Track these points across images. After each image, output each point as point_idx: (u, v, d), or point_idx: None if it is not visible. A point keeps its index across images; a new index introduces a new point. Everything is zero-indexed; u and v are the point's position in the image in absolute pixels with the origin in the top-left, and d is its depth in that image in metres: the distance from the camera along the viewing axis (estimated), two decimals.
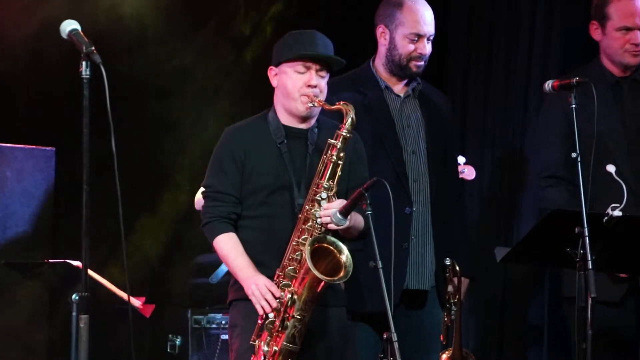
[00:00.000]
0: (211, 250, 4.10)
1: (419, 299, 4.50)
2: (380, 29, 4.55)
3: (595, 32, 4.71)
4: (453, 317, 4.42)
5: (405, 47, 4.49)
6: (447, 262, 4.43)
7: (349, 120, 3.93)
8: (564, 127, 4.49)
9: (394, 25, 4.50)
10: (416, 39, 4.48)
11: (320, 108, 4.00)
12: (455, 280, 4.43)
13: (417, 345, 4.48)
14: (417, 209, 4.46)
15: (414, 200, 4.46)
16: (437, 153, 4.55)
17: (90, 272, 3.57)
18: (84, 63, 3.41)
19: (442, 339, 4.46)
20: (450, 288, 4.43)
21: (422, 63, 4.51)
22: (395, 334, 3.70)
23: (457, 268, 4.43)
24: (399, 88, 4.58)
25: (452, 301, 4.43)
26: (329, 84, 4.06)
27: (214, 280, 5.29)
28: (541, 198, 4.68)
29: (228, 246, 3.99)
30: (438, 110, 4.63)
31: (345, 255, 3.84)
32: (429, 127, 4.55)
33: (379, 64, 4.58)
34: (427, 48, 4.50)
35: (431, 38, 4.52)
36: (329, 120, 4.08)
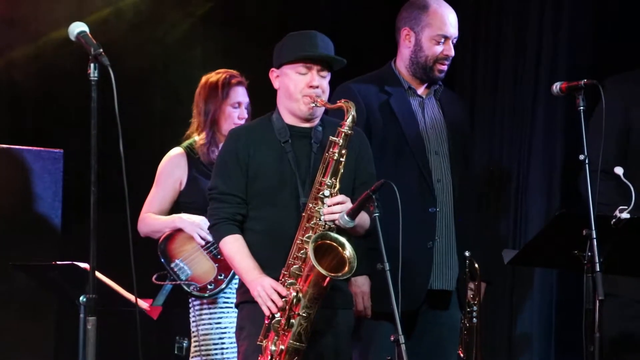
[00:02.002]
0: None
1: (443, 300, 4.51)
2: (404, 32, 4.58)
3: None
4: (475, 320, 4.40)
5: (431, 49, 4.52)
6: (467, 254, 4.42)
7: (350, 117, 3.94)
8: (620, 121, 4.44)
9: (420, 27, 4.53)
10: (442, 40, 4.52)
11: (323, 108, 4.01)
12: (475, 282, 4.42)
13: (433, 346, 4.48)
14: (440, 209, 4.48)
15: (438, 200, 4.47)
16: (458, 154, 4.59)
17: (97, 274, 3.57)
18: (92, 65, 3.42)
19: (460, 354, 4.45)
20: (470, 291, 4.43)
21: (445, 67, 4.56)
22: (402, 336, 3.70)
23: (477, 266, 4.42)
24: (421, 90, 4.62)
25: (473, 303, 4.42)
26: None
27: (155, 305, 5.24)
28: (598, 192, 4.60)
29: (234, 248, 3.99)
30: (457, 112, 4.69)
31: (348, 251, 3.85)
32: (450, 128, 4.60)
33: (401, 66, 4.61)
34: (452, 50, 4.54)
35: (454, 41, 4.56)
36: (333, 119, 4.09)
